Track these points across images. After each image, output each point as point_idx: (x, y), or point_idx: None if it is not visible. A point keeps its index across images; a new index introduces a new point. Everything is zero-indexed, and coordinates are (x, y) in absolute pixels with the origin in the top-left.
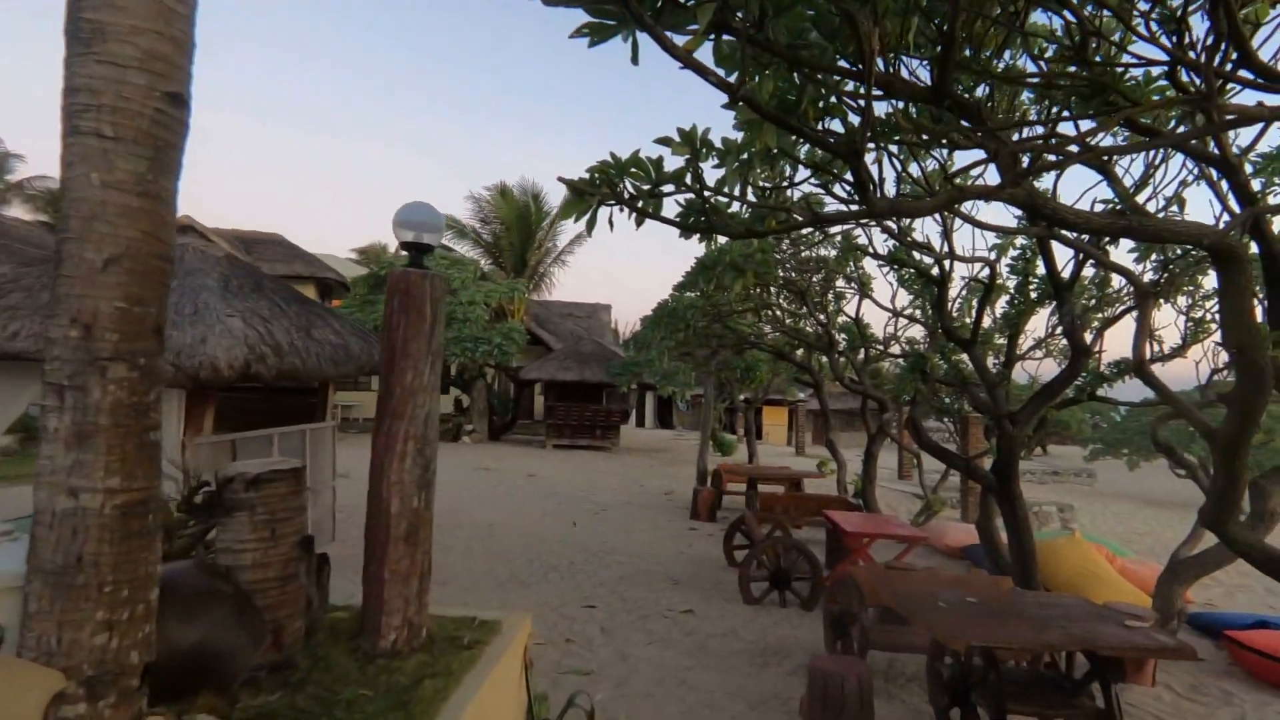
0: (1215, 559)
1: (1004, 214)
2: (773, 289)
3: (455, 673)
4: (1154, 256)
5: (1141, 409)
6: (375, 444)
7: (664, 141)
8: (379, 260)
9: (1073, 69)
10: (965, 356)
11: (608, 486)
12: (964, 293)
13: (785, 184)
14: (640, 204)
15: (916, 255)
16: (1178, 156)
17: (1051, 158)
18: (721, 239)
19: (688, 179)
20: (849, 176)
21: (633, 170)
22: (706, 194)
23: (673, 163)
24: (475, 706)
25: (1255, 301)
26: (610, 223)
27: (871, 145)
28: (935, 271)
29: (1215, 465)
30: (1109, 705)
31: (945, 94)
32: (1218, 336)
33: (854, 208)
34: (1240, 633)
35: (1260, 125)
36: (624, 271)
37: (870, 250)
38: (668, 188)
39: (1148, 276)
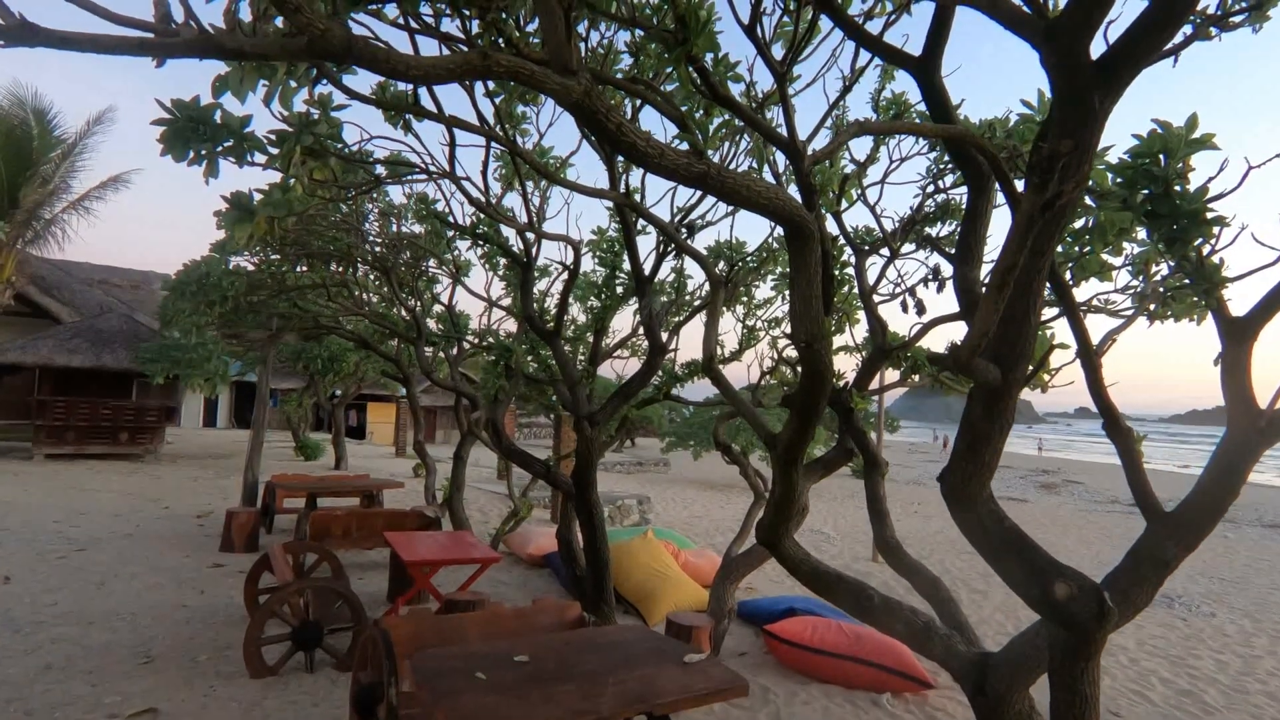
0: (761, 555)
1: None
2: (360, 266)
3: None
4: (720, 265)
5: (705, 407)
6: None
7: None
8: None
9: None
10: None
11: (108, 512)
12: (558, 285)
13: None
14: None
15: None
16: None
17: None
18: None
19: None
20: None
21: None
22: None
23: None
24: None
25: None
26: None
27: None
28: (522, 253)
29: (775, 474)
30: None
31: None
32: (767, 342)
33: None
34: (774, 625)
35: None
36: (199, 232)
37: (450, 218)
38: None
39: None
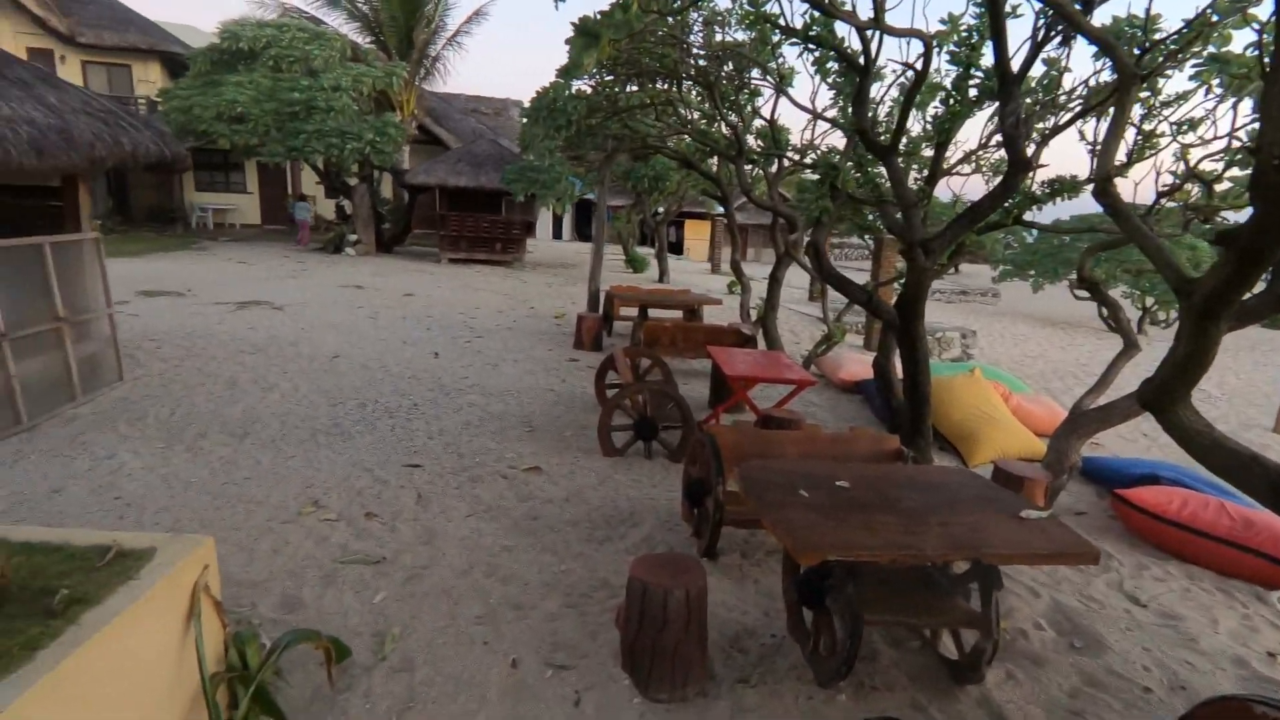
0: (1123, 412)
1: None
2: (684, 84)
3: None
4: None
5: (1067, 233)
6: None
7: None
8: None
9: None
10: (884, 169)
11: (493, 308)
12: (894, 91)
13: None
14: None
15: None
16: None
17: None
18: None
19: None
20: None
21: None
22: None
23: None
24: None
25: None
26: None
27: None
28: (857, 54)
29: (1185, 326)
30: (987, 613)
31: None
32: (1171, 153)
33: None
34: (1129, 491)
35: None
36: (542, 58)
37: (781, 20)
38: None
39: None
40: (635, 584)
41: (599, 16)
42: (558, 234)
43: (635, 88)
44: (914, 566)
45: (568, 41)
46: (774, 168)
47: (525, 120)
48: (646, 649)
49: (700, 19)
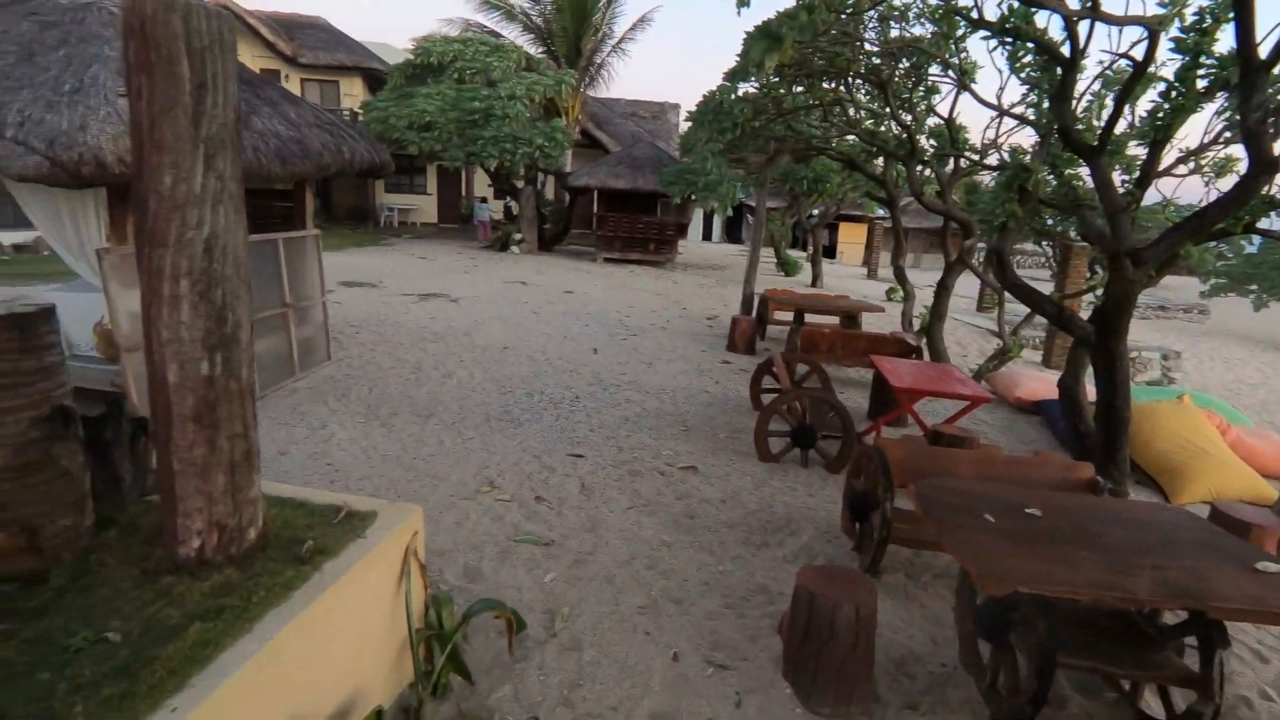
0: None
1: None
2: (852, 82)
3: (253, 608)
4: None
5: None
6: (141, 281)
7: None
8: (427, 50)
9: None
10: (1085, 171)
11: (647, 308)
12: (1097, 86)
13: None
14: None
15: (1040, 24)
16: None
17: None
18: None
19: None
20: None
21: None
22: None
23: None
24: (265, 662)
25: None
26: None
27: None
28: (1065, 47)
29: None
30: (1208, 673)
31: None
32: None
33: None
34: None
35: None
36: (698, 63)
37: (973, 12)
38: None
39: None
40: (802, 594)
41: (778, 17)
42: (707, 236)
43: (801, 89)
44: (1117, 611)
45: (746, 44)
46: (948, 168)
47: (689, 123)
48: (810, 660)
49: (875, 15)
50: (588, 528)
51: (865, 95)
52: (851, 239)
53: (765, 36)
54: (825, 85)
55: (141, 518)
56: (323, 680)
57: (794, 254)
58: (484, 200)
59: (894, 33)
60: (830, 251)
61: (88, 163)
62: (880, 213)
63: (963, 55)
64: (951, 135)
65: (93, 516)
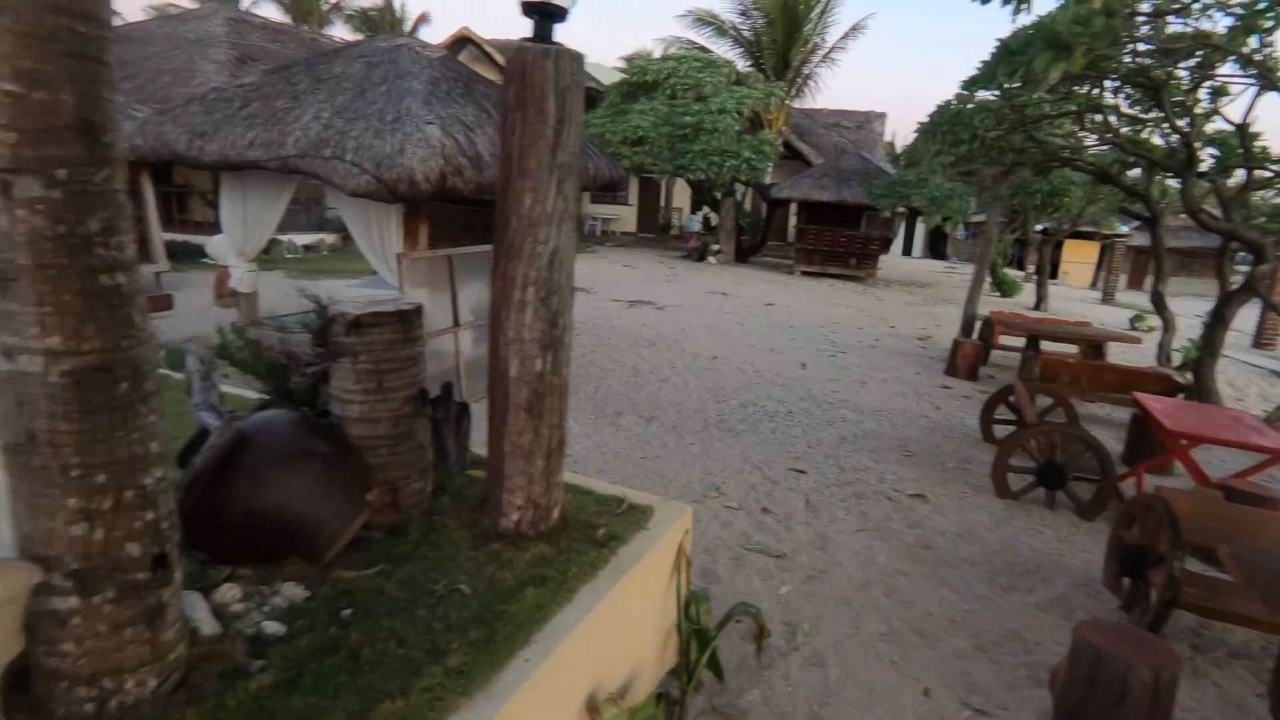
0: None
1: None
2: (1107, 85)
3: (570, 581)
4: None
5: None
6: (492, 289)
7: None
8: (643, 68)
9: None
10: None
11: (852, 324)
12: None
13: None
14: None
15: None
16: None
17: None
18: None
19: None
20: None
21: None
22: None
23: None
24: (585, 630)
25: None
26: None
27: None
28: None
29: None
30: None
31: None
32: None
33: None
34: None
35: None
36: (905, 71)
37: None
38: None
39: None
40: (1086, 648)
41: (1063, 22)
42: (907, 250)
43: (1048, 93)
44: None
45: (1006, 47)
46: (1234, 179)
47: (917, 134)
48: None
49: (1150, 7)
50: (817, 545)
51: (1125, 99)
52: (1078, 257)
53: (1050, 46)
54: (1079, 90)
55: (467, 489)
56: (616, 656)
57: (1009, 272)
58: (694, 212)
59: (1170, 28)
60: (1052, 271)
61: (403, 181)
62: (1123, 229)
63: (1268, 51)
64: (1245, 143)
65: (433, 483)
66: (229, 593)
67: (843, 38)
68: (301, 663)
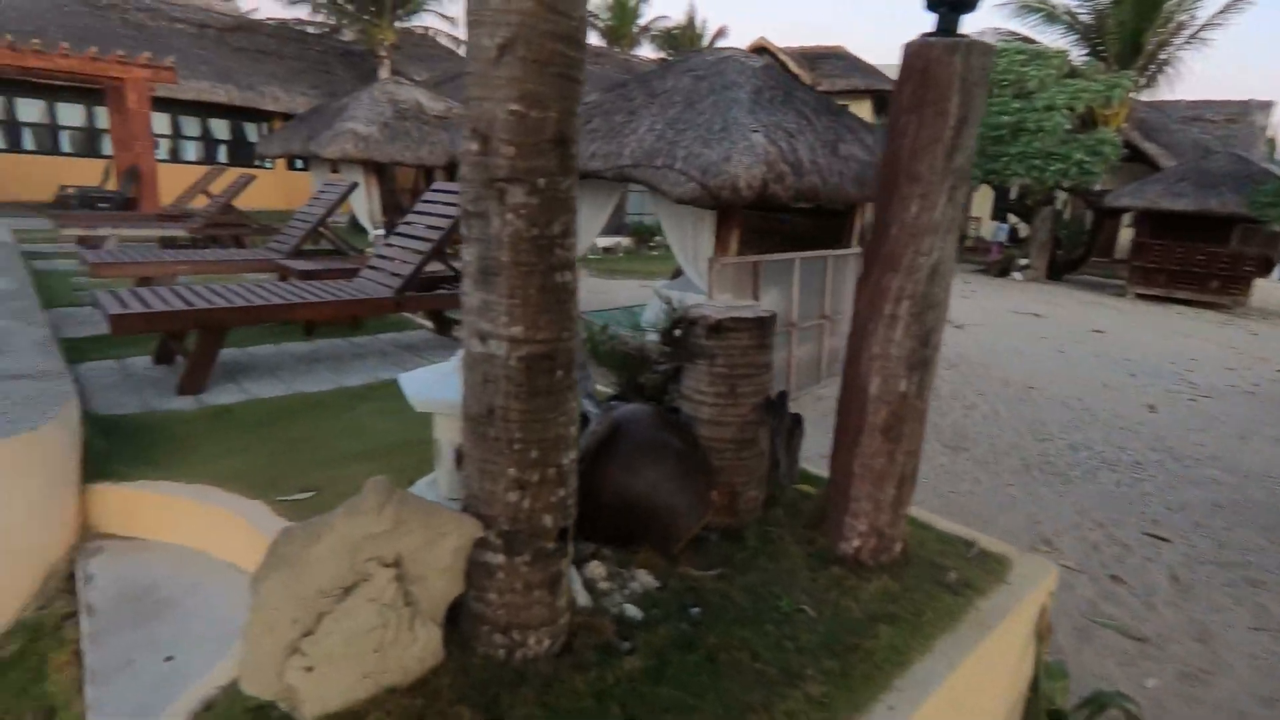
0: None
1: None
2: None
3: (925, 626)
4: None
5: None
6: (857, 300)
7: None
8: None
9: None
10: None
11: (1215, 363)
12: None
13: None
14: None
15: None
16: None
17: None
18: None
19: None
20: None
21: None
22: None
23: None
24: (950, 687)
25: None
26: None
27: None
28: None
29: None
30: None
31: None
32: None
33: None
34: None
35: None
36: None
37: None
38: None
39: None
40: None
41: None
42: None
43: None
44: None
45: None
46: None
47: None
48: None
49: None
50: (1195, 636)
51: None
52: None
53: None
54: None
55: (798, 502)
56: None
57: None
58: (1004, 221)
59: None
60: None
61: (726, 188)
62: None
63: None
64: None
65: (766, 492)
66: (596, 570)
67: (1219, 12)
68: (663, 653)
